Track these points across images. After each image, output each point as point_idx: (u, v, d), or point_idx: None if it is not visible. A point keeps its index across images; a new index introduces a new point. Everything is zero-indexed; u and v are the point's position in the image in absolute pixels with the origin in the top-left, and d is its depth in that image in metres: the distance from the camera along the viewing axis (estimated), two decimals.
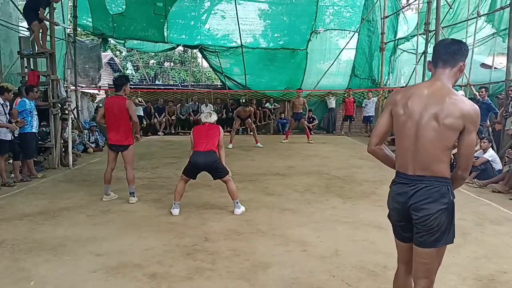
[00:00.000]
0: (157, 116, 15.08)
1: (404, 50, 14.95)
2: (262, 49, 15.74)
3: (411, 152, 2.16)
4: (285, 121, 15.73)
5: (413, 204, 2.15)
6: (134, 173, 5.80)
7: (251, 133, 12.07)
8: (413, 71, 10.92)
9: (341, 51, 15.21)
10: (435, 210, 2.11)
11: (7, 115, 6.81)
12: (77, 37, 14.14)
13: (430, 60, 2.28)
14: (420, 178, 2.14)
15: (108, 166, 5.78)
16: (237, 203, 5.18)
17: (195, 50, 17.18)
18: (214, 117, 5.39)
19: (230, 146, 11.00)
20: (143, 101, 14.58)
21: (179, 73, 26.86)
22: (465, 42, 2.28)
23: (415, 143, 2.13)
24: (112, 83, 8.22)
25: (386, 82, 15.33)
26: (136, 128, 5.74)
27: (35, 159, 7.77)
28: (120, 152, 5.69)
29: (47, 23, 8.35)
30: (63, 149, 8.58)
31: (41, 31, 8.25)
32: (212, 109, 15.30)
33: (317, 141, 12.69)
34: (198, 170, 5.13)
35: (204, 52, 15.85)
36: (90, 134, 11.08)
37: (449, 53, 2.18)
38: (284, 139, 12.74)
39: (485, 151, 7.02)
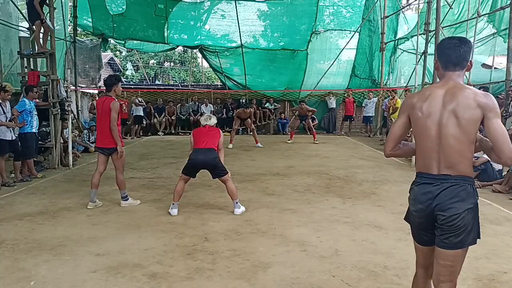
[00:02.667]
0: (157, 116, 15.09)
1: (404, 50, 14.95)
2: (262, 49, 15.74)
3: (435, 151, 2.17)
4: (285, 121, 15.74)
5: (439, 204, 2.13)
6: (122, 178, 5.50)
7: (251, 133, 12.12)
8: (413, 71, 10.90)
9: (341, 51, 15.21)
10: (462, 209, 2.09)
11: (7, 115, 6.81)
12: (77, 37, 14.14)
13: (437, 59, 2.29)
14: (446, 177, 2.13)
15: (96, 170, 5.51)
16: (236, 203, 5.17)
17: (195, 50, 17.18)
18: (214, 120, 5.39)
19: (230, 146, 11.00)
20: (143, 101, 14.58)
21: (179, 73, 26.87)
22: (469, 40, 2.33)
23: (439, 142, 2.15)
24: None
25: (386, 82, 15.32)
26: (114, 134, 5.25)
27: (35, 159, 7.77)
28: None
29: (49, 23, 8.34)
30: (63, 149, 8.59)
31: (42, 31, 8.25)
32: (212, 109, 15.33)
33: (313, 141, 12.67)
34: (198, 167, 5.10)
35: (204, 52, 15.85)
36: (90, 134, 11.08)
37: (460, 56, 2.22)
38: (289, 140, 12.79)
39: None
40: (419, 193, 2.21)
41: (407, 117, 2.29)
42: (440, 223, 2.14)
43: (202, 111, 15.21)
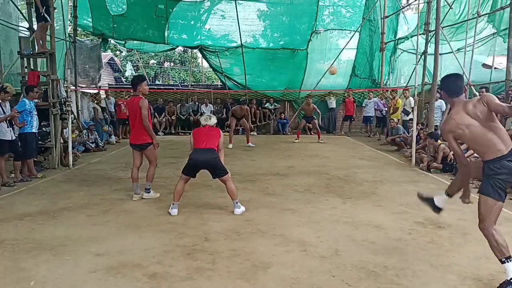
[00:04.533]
0: (157, 116, 15.09)
1: (404, 50, 14.95)
2: (262, 49, 15.74)
3: (492, 140, 3.06)
4: (285, 121, 15.74)
5: None
6: (154, 171, 5.90)
7: (245, 132, 12.05)
8: (413, 71, 10.89)
9: (341, 51, 15.20)
10: None
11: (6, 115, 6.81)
12: (77, 37, 14.13)
13: (444, 92, 3.49)
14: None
15: (133, 165, 5.93)
16: (236, 203, 5.16)
17: (195, 50, 17.18)
18: (214, 120, 5.38)
19: (230, 146, 10.98)
20: None
21: (179, 73, 26.86)
22: (461, 75, 3.65)
23: (488, 134, 3.07)
24: (112, 83, 8.20)
25: (386, 82, 15.32)
26: (147, 130, 5.68)
27: (35, 159, 7.77)
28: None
29: (47, 16, 8.30)
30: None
31: (48, 33, 8.25)
32: (212, 109, 15.32)
33: (317, 141, 12.69)
34: (198, 167, 5.10)
35: (204, 52, 15.84)
36: (89, 134, 11.08)
37: (459, 87, 3.35)
38: (296, 139, 12.82)
39: None
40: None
41: (453, 138, 3.28)
42: None
43: (202, 111, 15.21)
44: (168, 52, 21.43)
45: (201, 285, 3.27)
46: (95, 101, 13.20)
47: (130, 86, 6.56)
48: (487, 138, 3.09)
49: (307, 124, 13.80)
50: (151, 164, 5.86)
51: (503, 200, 3.26)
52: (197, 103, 15.67)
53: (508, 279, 3.12)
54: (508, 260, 3.15)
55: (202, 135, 5.17)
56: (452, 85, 3.32)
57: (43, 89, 8.62)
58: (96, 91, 14.24)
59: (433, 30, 9.45)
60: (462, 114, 3.17)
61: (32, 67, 8.52)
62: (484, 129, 3.09)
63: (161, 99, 15.30)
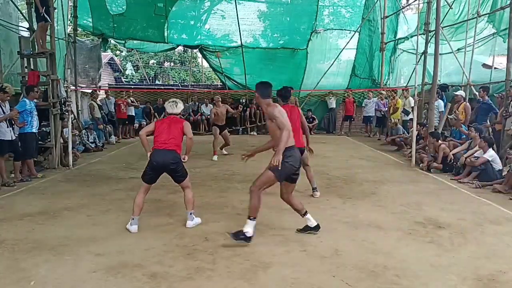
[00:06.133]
0: (157, 116, 15.06)
1: (404, 50, 14.94)
2: (262, 49, 15.73)
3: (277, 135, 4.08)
4: None
5: None
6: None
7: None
8: (413, 71, 10.88)
9: (341, 51, 15.20)
10: None
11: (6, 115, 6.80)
12: (77, 37, 14.13)
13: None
14: None
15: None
16: (190, 214, 4.66)
17: (195, 50, 17.18)
18: (180, 106, 4.80)
19: (215, 158, 9.35)
20: (135, 101, 14.54)
21: (179, 73, 26.85)
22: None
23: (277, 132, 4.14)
24: (112, 83, 8.15)
25: (386, 82, 15.32)
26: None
27: (35, 159, 7.76)
28: None
29: (47, 16, 8.30)
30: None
31: (48, 33, 8.25)
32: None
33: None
34: (158, 172, 4.57)
35: (204, 52, 15.84)
36: (89, 134, 11.07)
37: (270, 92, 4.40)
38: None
39: (484, 150, 7.01)
40: None
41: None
42: None
43: (202, 111, 15.22)
44: (168, 52, 21.41)
45: (201, 285, 3.27)
46: (91, 98, 13.20)
47: (130, 86, 6.51)
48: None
49: None
50: (308, 167, 5.99)
51: None
52: (197, 103, 15.66)
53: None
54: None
55: (162, 130, 4.57)
56: (267, 90, 4.40)
57: (43, 89, 8.61)
58: (90, 90, 14.22)
59: (433, 30, 9.44)
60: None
61: (32, 67, 8.52)
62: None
63: (161, 99, 15.28)
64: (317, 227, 4.40)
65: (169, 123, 4.64)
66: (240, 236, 4.03)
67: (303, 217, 4.40)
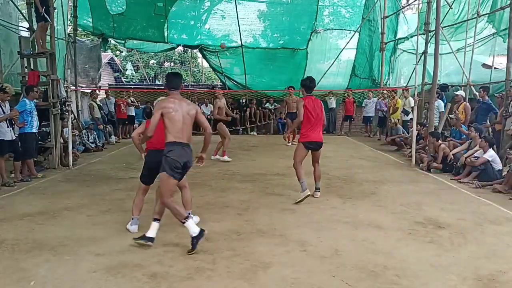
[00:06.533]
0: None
1: (404, 50, 14.94)
2: (262, 49, 15.73)
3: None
4: (285, 121, 15.73)
5: None
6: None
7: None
8: (413, 71, 10.88)
9: (341, 51, 15.20)
10: None
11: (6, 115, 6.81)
12: (77, 37, 14.13)
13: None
14: None
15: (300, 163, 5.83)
16: (189, 213, 4.51)
17: (195, 50, 17.18)
18: None
19: (227, 158, 9.07)
20: (135, 101, 14.54)
21: None
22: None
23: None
24: (112, 83, 8.10)
25: (386, 82, 15.32)
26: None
27: (35, 159, 7.76)
28: None
29: (47, 16, 8.30)
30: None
31: (48, 33, 8.25)
32: (212, 109, 15.25)
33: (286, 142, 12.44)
34: (154, 171, 4.43)
35: (204, 52, 15.84)
36: (89, 134, 11.07)
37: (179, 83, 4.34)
38: (288, 142, 11.52)
39: (484, 150, 7.01)
40: None
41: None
42: None
43: (202, 111, 15.18)
44: (168, 52, 21.40)
45: (201, 285, 3.27)
46: (91, 98, 13.20)
47: (130, 86, 6.50)
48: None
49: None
50: (317, 163, 6.05)
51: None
52: (197, 103, 15.65)
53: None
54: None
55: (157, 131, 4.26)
56: (175, 81, 4.24)
57: (43, 89, 8.61)
58: (90, 90, 14.22)
59: (433, 30, 9.44)
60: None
61: (32, 67, 8.52)
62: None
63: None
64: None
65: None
66: (142, 239, 3.98)
67: (183, 222, 3.95)
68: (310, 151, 5.80)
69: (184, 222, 3.92)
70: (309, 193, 5.56)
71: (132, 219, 4.52)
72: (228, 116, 9.62)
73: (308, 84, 5.73)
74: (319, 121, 5.72)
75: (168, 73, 4.70)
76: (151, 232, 4.03)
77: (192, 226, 3.92)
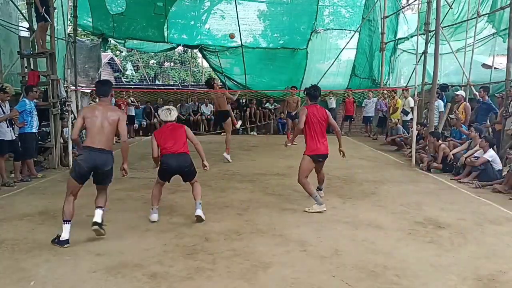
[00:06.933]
0: (157, 116, 15.06)
1: (404, 50, 14.94)
2: (262, 49, 15.73)
3: None
4: (285, 121, 15.73)
5: None
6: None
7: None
8: (413, 71, 10.89)
9: (341, 51, 15.18)
10: None
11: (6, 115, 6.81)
12: (77, 37, 14.13)
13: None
14: None
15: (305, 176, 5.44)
16: (199, 203, 4.84)
17: (195, 50, 17.17)
18: (174, 114, 4.88)
19: (227, 157, 9.02)
20: (135, 101, 14.55)
21: (179, 73, 26.84)
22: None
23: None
24: (112, 83, 8.08)
25: (386, 82, 15.32)
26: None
27: (35, 159, 7.76)
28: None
29: (47, 16, 8.30)
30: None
31: (48, 33, 8.26)
32: (212, 109, 15.26)
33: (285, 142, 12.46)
34: (172, 173, 4.82)
35: (204, 52, 15.84)
36: None
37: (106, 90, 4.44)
38: (290, 143, 11.88)
39: (484, 150, 7.01)
40: None
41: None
42: None
43: (202, 111, 15.22)
44: (168, 52, 21.40)
45: (201, 285, 3.27)
46: (91, 98, 13.19)
47: (130, 86, 6.53)
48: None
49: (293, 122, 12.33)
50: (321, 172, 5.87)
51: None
52: (197, 103, 15.66)
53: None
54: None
55: (166, 137, 4.73)
56: (103, 89, 4.40)
57: (43, 89, 8.62)
58: (90, 90, 14.22)
59: (433, 30, 9.44)
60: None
61: (32, 67, 8.52)
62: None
63: (161, 99, 15.28)
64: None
65: (171, 129, 4.77)
66: (55, 240, 4.08)
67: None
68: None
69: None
70: (325, 209, 5.19)
71: (152, 209, 4.83)
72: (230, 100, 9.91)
73: (313, 92, 5.51)
74: (324, 131, 5.53)
75: (97, 81, 5.06)
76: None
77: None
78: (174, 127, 4.83)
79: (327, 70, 15.26)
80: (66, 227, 4.08)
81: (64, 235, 4.05)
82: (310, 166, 5.36)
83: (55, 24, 9.62)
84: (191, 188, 4.98)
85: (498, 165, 6.96)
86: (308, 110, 5.39)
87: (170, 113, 4.82)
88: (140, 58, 23.63)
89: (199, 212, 4.77)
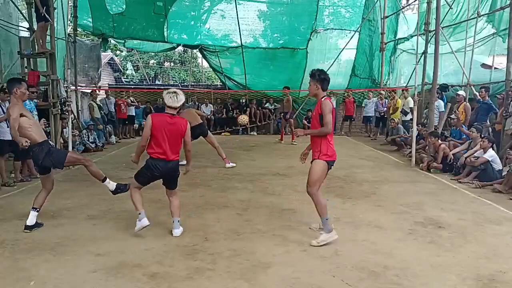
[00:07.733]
0: None
1: (404, 50, 14.93)
2: (262, 48, 15.73)
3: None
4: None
5: None
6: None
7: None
8: (413, 71, 10.90)
9: (341, 51, 15.17)
10: None
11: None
12: (77, 37, 14.13)
13: None
14: None
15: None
16: (178, 221, 4.40)
17: (195, 50, 17.18)
18: (181, 98, 4.10)
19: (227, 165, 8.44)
20: (135, 101, 14.55)
21: (179, 73, 26.85)
22: None
23: None
24: (112, 83, 8.08)
25: (386, 82, 15.32)
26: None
27: None
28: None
29: (47, 16, 8.32)
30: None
31: (48, 33, 8.27)
32: (212, 109, 15.28)
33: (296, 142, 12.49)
34: (155, 178, 4.29)
35: (204, 52, 15.85)
36: (89, 134, 11.07)
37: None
38: (293, 141, 11.90)
39: (485, 150, 7.01)
40: None
41: None
42: None
43: (202, 111, 15.21)
44: (168, 52, 21.41)
45: (201, 285, 3.27)
46: (91, 98, 13.21)
47: (130, 86, 6.51)
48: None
49: (285, 120, 12.82)
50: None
51: None
52: (197, 103, 15.67)
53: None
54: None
55: (161, 136, 4.08)
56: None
57: (43, 89, 8.62)
58: (90, 90, 14.23)
59: (433, 30, 9.44)
60: None
61: (32, 67, 8.52)
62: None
63: (161, 99, 15.25)
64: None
65: (171, 125, 4.10)
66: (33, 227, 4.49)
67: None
68: None
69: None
70: (336, 236, 4.15)
71: (139, 213, 4.22)
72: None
73: (323, 77, 4.33)
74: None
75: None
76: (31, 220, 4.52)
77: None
78: (175, 122, 4.12)
79: (327, 70, 15.21)
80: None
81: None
82: (325, 174, 4.26)
83: (55, 24, 9.63)
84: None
85: (498, 165, 6.96)
86: (332, 105, 4.35)
87: (177, 97, 4.03)
88: (140, 58, 23.64)
89: (177, 232, 4.30)
